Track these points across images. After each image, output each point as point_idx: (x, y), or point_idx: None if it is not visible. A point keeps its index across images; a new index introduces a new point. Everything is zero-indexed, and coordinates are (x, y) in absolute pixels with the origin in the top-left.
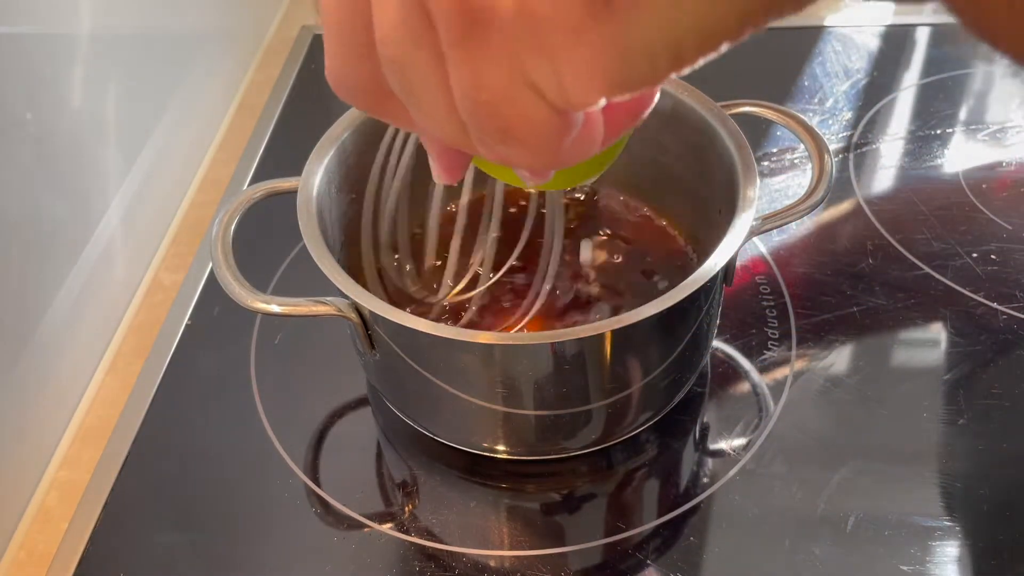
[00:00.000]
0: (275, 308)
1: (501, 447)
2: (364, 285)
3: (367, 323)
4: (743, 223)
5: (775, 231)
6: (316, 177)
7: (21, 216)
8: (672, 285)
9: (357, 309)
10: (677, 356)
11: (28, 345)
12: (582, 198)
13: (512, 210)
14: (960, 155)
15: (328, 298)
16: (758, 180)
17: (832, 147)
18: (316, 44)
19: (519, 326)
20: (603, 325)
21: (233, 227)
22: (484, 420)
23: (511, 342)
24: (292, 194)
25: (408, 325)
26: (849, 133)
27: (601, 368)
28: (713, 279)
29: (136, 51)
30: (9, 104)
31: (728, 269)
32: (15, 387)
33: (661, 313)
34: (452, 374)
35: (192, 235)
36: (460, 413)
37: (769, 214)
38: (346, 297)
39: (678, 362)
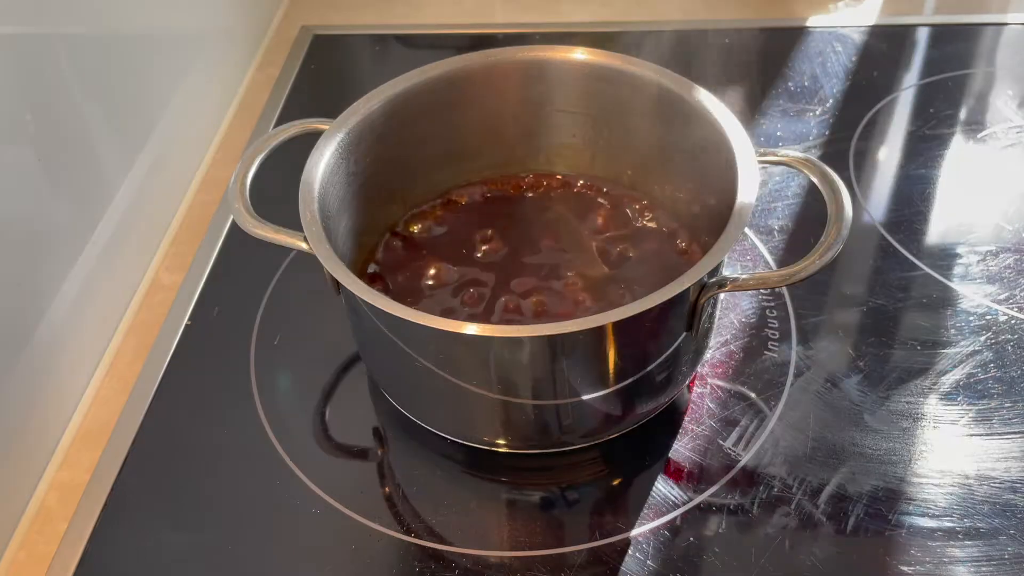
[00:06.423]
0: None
1: (501, 440)
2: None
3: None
4: (743, 215)
5: (775, 231)
6: (319, 169)
7: (21, 216)
8: (672, 277)
9: None
10: (675, 350)
11: (28, 345)
12: (575, 190)
13: None
14: (960, 155)
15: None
16: (758, 174)
17: (832, 147)
18: (316, 44)
19: None
20: (601, 318)
21: (258, 162)
22: (486, 413)
23: (512, 335)
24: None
25: (413, 320)
26: (849, 133)
27: (598, 362)
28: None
29: (136, 51)
30: (9, 104)
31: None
32: (15, 387)
33: (660, 305)
34: (457, 368)
35: (192, 235)
36: (462, 406)
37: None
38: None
39: (677, 356)
